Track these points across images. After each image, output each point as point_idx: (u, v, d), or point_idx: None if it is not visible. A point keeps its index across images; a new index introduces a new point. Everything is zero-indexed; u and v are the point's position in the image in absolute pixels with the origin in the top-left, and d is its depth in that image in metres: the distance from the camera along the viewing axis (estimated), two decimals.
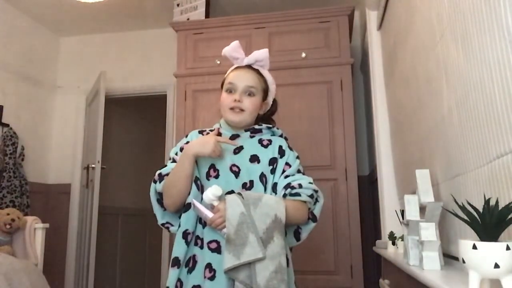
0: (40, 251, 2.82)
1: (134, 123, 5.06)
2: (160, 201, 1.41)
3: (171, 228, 1.42)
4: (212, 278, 1.25)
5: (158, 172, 1.41)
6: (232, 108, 1.42)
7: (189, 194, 1.34)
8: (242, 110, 1.41)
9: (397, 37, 2.15)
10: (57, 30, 4.09)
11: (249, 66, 1.47)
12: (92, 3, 3.34)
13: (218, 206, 1.26)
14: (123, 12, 3.73)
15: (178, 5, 3.45)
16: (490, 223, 0.80)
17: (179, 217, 1.38)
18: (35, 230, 2.85)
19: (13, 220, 2.72)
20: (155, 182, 1.40)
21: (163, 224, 1.42)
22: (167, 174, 1.38)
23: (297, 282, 1.37)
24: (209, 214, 1.26)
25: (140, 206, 4.40)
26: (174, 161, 1.44)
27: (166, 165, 1.43)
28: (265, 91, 1.49)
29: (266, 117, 1.53)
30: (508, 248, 0.75)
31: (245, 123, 1.44)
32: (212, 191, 1.26)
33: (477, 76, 1.08)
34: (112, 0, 3.46)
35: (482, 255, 0.77)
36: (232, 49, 1.47)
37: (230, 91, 1.43)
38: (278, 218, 1.26)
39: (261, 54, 1.48)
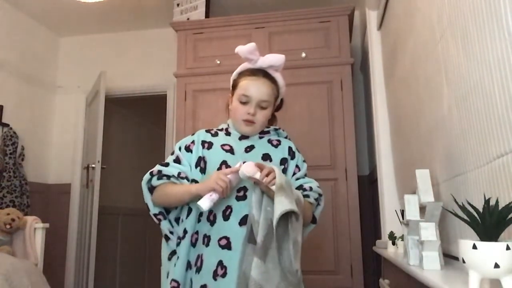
0: (40, 251, 2.82)
1: (134, 123, 5.06)
2: (151, 189, 1.44)
3: (162, 222, 1.43)
4: (224, 275, 1.27)
5: (159, 168, 1.43)
6: (245, 120, 1.46)
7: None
8: (254, 122, 1.46)
9: (397, 37, 2.15)
10: (57, 30, 4.09)
11: (264, 74, 1.48)
12: (92, 3, 3.34)
13: (266, 165, 1.31)
14: (123, 12, 3.73)
15: (178, 5, 3.45)
16: (490, 223, 0.80)
17: (168, 212, 1.44)
18: (35, 230, 2.85)
19: (13, 220, 2.72)
20: (151, 174, 1.43)
21: (155, 215, 1.43)
22: (166, 176, 1.40)
23: None
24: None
25: (140, 206, 4.33)
26: (177, 159, 1.45)
27: (168, 163, 1.45)
28: (276, 98, 1.53)
29: None
30: (508, 248, 0.75)
31: (255, 133, 1.51)
32: (252, 163, 1.30)
33: (477, 76, 1.08)
34: (112, 0, 3.46)
35: (482, 255, 0.77)
36: (248, 51, 1.47)
37: (244, 102, 1.46)
38: (300, 199, 1.36)
39: (277, 61, 1.48)
